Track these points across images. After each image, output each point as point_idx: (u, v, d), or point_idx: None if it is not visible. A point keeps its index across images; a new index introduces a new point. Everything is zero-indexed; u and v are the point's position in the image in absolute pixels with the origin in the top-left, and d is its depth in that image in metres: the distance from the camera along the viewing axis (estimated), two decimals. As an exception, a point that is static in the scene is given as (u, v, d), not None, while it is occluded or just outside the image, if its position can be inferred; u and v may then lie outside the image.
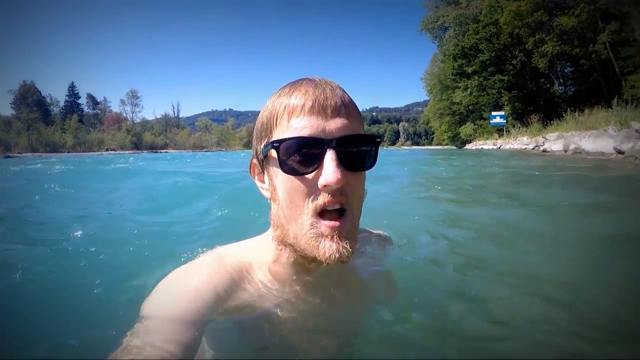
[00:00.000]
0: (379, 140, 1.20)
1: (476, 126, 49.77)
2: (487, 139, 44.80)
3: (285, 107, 1.15)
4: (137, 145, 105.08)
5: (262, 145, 1.20)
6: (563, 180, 8.36)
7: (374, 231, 1.72)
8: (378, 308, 1.52)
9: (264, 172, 1.27)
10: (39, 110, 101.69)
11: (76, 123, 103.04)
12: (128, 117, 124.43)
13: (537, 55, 37.98)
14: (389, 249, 1.72)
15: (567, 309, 1.89)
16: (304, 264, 1.25)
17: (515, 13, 36.13)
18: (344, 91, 1.20)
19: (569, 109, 27.34)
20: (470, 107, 49.59)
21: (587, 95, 35.16)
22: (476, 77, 47.51)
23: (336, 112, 1.13)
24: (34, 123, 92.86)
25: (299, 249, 1.18)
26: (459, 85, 49.89)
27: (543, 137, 25.39)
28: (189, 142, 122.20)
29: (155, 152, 73.72)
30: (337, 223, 1.12)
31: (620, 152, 13.09)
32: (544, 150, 21.26)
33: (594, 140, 15.83)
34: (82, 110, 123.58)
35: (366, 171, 1.21)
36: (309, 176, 1.11)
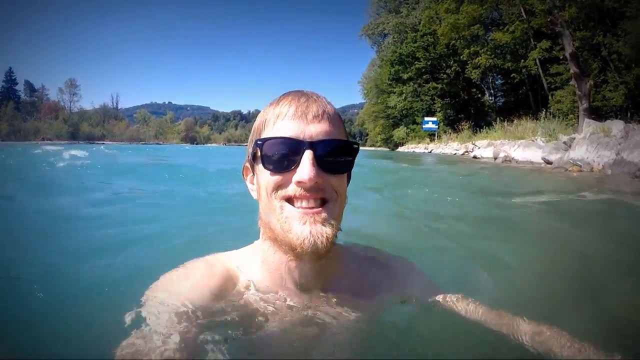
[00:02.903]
0: (356, 146, 1.28)
1: (409, 130, 50.37)
2: (419, 142, 45.32)
3: (273, 112, 1.25)
4: (74, 136, 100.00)
5: (252, 147, 1.29)
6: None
7: (394, 256, 1.62)
8: (368, 315, 1.39)
9: (254, 174, 1.35)
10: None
11: (12, 110, 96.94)
12: (66, 106, 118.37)
13: (470, 67, 38.51)
14: (404, 273, 1.54)
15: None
16: (291, 262, 1.28)
17: (452, 25, 36.40)
18: (328, 103, 1.30)
19: (498, 118, 28.17)
20: (404, 112, 50.00)
21: (515, 106, 36.08)
22: (411, 83, 47.96)
23: (317, 118, 1.22)
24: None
25: (279, 238, 1.23)
26: (395, 90, 50.34)
27: (473, 144, 25.85)
28: (126, 134, 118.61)
29: (92, 143, 69.93)
30: (311, 209, 1.18)
31: (548, 162, 13.56)
32: (474, 157, 21.57)
33: (523, 150, 16.23)
34: (19, 97, 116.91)
35: (347, 177, 1.30)
36: (288, 173, 1.19)
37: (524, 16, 31.11)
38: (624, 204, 6.34)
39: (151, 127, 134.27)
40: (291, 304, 1.31)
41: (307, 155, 1.16)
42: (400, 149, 50.50)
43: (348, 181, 1.34)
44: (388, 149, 54.46)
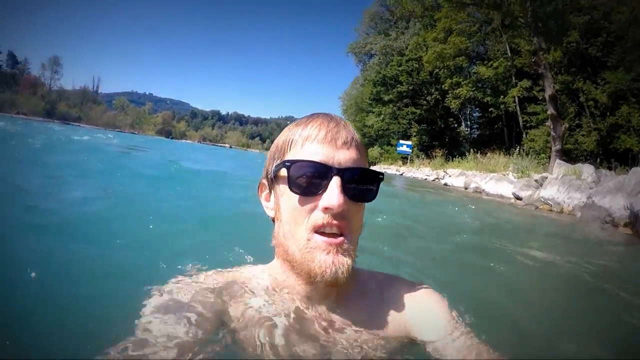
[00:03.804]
0: (381, 177, 1.27)
1: (383, 150, 50.37)
2: (392, 164, 45.17)
3: (301, 134, 1.23)
4: (50, 114, 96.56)
5: (274, 165, 1.26)
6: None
7: (410, 281, 1.51)
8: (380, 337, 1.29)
9: (271, 192, 1.33)
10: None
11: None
12: (46, 83, 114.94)
13: (451, 96, 38.84)
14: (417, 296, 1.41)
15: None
16: (303, 285, 1.26)
17: (438, 54, 36.56)
18: (355, 130, 1.28)
19: (472, 149, 28.19)
20: (380, 132, 50.03)
21: (489, 139, 36.43)
22: (391, 105, 47.96)
23: (346, 145, 1.20)
24: None
25: (296, 264, 1.22)
26: (374, 110, 50.24)
27: (444, 172, 25.82)
28: (102, 119, 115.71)
29: (67, 124, 68.00)
30: (334, 239, 1.16)
31: (518, 198, 13.52)
32: (445, 184, 21.43)
33: (495, 183, 16.21)
34: (0, 67, 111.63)
35: (365, 205, 1.27)
36: (313, 198, 1.17)
37: (509, 54, 31.70)
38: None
39: (129, 116, 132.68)
40: (300, 316, 1.25)
41: (335, 182, 1.14)
42: (372, 167, 49.99)
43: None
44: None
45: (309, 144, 1.20)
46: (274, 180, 1.27)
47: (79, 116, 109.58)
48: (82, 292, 1.95)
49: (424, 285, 1.47)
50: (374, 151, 51.46)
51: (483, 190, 16.40)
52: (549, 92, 20.08)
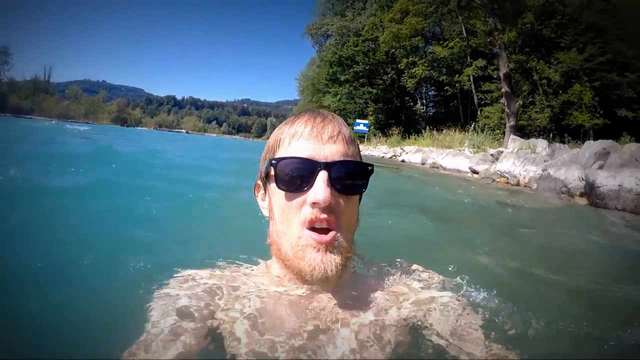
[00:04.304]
0: (370, 168, 1.25)
1: (340, 130, 50.56)
2: (349, 143, 45.44)
3: (288, 132, 1.24)
4: (1, 107, 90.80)
5: (265, 165, 1.27)
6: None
7: (409, 265, 1.53)
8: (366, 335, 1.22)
9: (266, 192, 1.33)
10: None
11: None
12: None
13: (407, 76, 38.87)
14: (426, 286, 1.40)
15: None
16: (298, 282, 1.26)
17: (394, 34, 36.39)
18: (343, 124, 1.28)
19: (427, 127, 28.42)
20: (337, 112, 49.75)
21: (445, 117, 36.54)
22: (347, 85, 47.73)
23: (332, 139, 1.20)
24: None
25: (288, 263, 1.23)
26: (330, 90, 49.97)
27: (401, 149, 26.01)
28: (56, 110, 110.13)
29: (19, 117, 64.74)
30: (324, 236, 1.15)
31: (475, 172, 13.75)
32: (402, 160, 21.62)
33: (452, 158, 16.38)
34: None
35: (358, 199, 1.30)
36: (301, 193, 1.17)
37: (465, 34, 31.70)
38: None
39: (82, 105, 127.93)
40: (297, 311, 1.22)
41: (322, 176, 1.14)
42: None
43: (360, 200, 1.34)
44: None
45: (295, 140, 1.21)
46: (266, 179, 1.29)
47: (31, 108, 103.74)
48: (82, 291, 1.86)
49: (424, 269, 1.50)
50: (331, 130, 51.47)
51: (440, 165, 16.52)
52: (503, 70, 20.28)
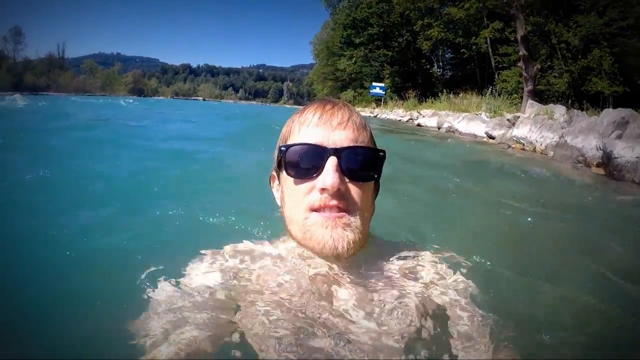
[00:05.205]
0: (382, 154, 1.24)
1: (356, 93, 50.12)
2: (365, 106, 44.86)
3: (298, 120, 1.26)
4: (17, 86, 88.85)
5: (277, 154, 1.28)
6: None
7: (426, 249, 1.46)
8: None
9: (279, 182, 1.34)
10: None
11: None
12: (10, 55, 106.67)
13: (422, 38, 38.24)
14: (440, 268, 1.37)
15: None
16: (315, 258, 1.23)
17: (408, -5, 35.86)
18: (354, 111, 1.28)
19: (444, 90, 27.99)
20: (353, 75, 49.71)
21: (462, 80, 35.82)
22: (362, 48, 47.38)
23: (342, 125, 1.20)
24: None
25: (301, 244, 1.24)
26: (345, 53, 49.56)
27: (418, 112, 25.64)
28: (72, 85, 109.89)
29: (36, 94, 64.66)
30: (333, 214, 1.15)
31: (491, 137, 13.51)
32: (419, 124, 21.39)
33: (467, 123, 16.11)
34: None
35: (374, 186, 1.30)
36: (311, 179, 1.17)
37: (481, -5, 30.86)
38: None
39: (98, 79, 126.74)
40: (316, 286, 1.20)
41: (331, 162, 1.14)
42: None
43: (377, 190, 1.36)
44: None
45: (305, 127, 1.22)
46: (278, 169, 1.30)
47: (47, 84, 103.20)
48: (92, 284, 1.80)
49: (439, 250, 1.48)
50: (348, 94, 51.18)
51: (456, 129, 16.32)
52: (520, 33, 19.73)
